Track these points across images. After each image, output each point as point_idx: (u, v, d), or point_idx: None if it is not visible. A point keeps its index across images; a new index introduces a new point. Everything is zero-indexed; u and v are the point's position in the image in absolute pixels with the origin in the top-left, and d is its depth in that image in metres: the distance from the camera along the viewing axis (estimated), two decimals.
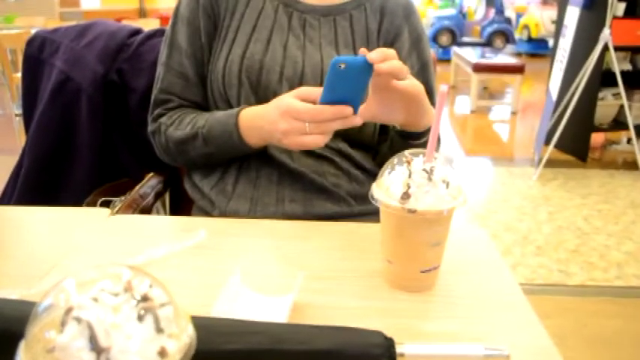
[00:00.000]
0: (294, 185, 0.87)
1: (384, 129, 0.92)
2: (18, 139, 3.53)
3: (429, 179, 0.55)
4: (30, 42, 1.17)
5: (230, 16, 0.91)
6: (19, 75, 3.64)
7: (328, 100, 0.71)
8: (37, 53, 1.15)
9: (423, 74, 0.95)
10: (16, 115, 3.37)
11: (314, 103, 0.73)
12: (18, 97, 3.43)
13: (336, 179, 0.89)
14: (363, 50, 0.70)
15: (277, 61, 0.88)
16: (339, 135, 0.89)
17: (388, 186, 0.57)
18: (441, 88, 0.57)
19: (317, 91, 0.72)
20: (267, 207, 0.86)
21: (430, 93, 0.93)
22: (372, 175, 0.90)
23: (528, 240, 2.52)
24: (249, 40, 0.89)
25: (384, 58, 0.70)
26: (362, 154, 0.92)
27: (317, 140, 0.73)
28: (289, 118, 0.73)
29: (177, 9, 0.94)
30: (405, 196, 0.55)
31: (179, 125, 0.89)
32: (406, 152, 0.58)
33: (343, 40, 0.92)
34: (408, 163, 0.56)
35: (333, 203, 0.88)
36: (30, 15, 5.59)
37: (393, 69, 0.70)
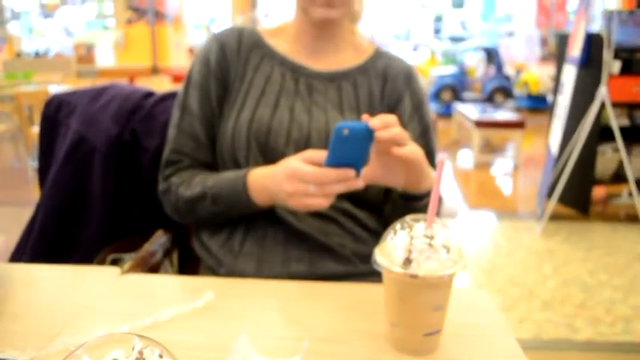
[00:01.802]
0: (300, 245, 0.89)
1: (387, 189, 0.95)
2: (33, 191, 3.59)
3: (430, 245, 0.58)
4: (48, 103, 1.22)
5: (239, 81, 0.96)
6: (34, 129, 3.74)
7: (332, 163, 0.74)
8: (54, 114, 1.20)
9: (424, 138, 0.99)
10: (32, 168, 3.45)
11: (319, 166, 0.76)
12: (33, 150, 3.51)
13: (340, 239, 0.91)
14: (365, 117, 0.74)
15: (284, 124, 0.92)
16: (344, 195, 0.91)
17: (390, 251, 0.60)
18: (440, 158, 0.60)
19: (322, 155, 0.76)
20: (273, 267, 0.88)
21: (431, 156, 0.96)
22: (376, 235, 0.93)
23: (534, 295, 2.50)
24: (258, 104, 0.93)
25: (385, 125, 0.73)
26: (366, 213, 0.95)
27: (321, 202, 0.76)
28: (294, 180, 0.76)
29: (189, 74, 0.99)
30: (407, 261, 0.57)
31: (189, 185, 0.93)
32: (407, 218, 0.61)
33: (348, 104, 0.96)
34: (410, 228, 0.59)
35: (338, 263, 0.89)
36: (48, 71, 5.77)
37: (394, 136, 0.74)
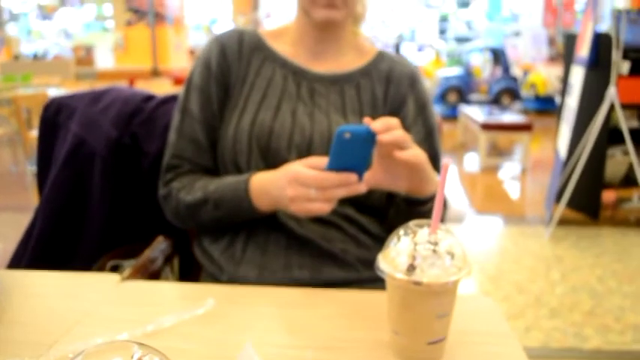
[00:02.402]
0: (302, 251, 0.88)
1: (391, 193, 0.93)
2: (31, 196, 3.60)
3: (434, 251, 0.56)
4: (47, 107, 1.21)
5: (241, 85, 0.95)
6: (33, 133, 3.75)
7: (334, 167, 0.72)
8: (53, 117, 1.19)
9: (429, 141, 0.97)
10: (30, 172, 3.46)
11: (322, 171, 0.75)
12: (32, 155, 3.52)
13: (343, 245, 0.89)
14: (367, 120, 0.73)
15: (286, 127, 0.90)
16: (347, 200, 0.90)
17: (394, 257, 0.58)
18: (444, 162, 0.59)
19: (325, 161, 0.74)
20: (275, 273, 0.86)
21: (435, 160, 0.94)
22: (380, 240, 0.91)
23: (541, 302, 2.47)
24: (259, 107, 0.92)
25: (388, 128, 0.72)
26: (369, 219, 0.93)
27: (322, 207, 0.75)
28: (296, 185, 0.75)
29: (190, 77, 0.98)
30: (411, 268, 0.55)
31: (190, 190, 0.91)
32: (411, 223, 0.59)
33: (351, 107, 0.94)
34: (414, 234, 0.57)
35: (341, 269, 0.88)
36: (46, 74, 5.79)
37: (396, 139, 0.72)
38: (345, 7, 0.90)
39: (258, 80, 0.95)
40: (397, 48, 9.43)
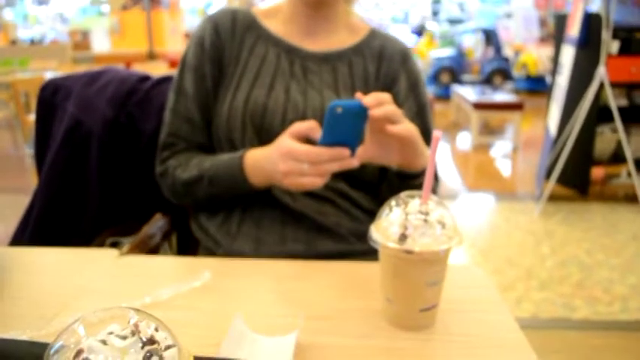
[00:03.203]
0: (296, 225, 0.90)
1: (383, 168, 0.95)
2: (30, 179, 3.60)
3: (425, 221, 0.58)
4: (44, 88, 1.21)
5: (234, 63, 0.96)
6: (31, 117, 3.72)
7: (327, 142, 0.74)
8: (50, 98, 1.19)
9: (421, 117, 0.99)
10: (29, 155, 3.45)
11: (308, 138, 0.76)
12: (30, 138, 3.51)
13: (337, 219, 0.91)
14: (359, 95, 0.74)
15: (280, 105, 0.91)
16: (340, 176, 0.92)
17: (386, 227, 0.60)
18: (435, 134, 0.60)
19: (306, 125, 0.77)
20: (270, 247, 0.88)
21: (427, 135, 0.96)
22: (373, 215, 0.92)
23: (532, 275, 2.52)
24: (253, 85, 0.93)
25: (379, 103, 0.73)
26: (362, 194, 0.95)
27: (315, 181, 0.77)
28: (289, 160, 0.76)
29: (184, 57, 0.98)
30: (403, 237, 0.58)
31: (186, 167, 0.93)
32: (402, 194, 0.61)
33: (343, 84, 0.96)
34: (405, 205, 0.59)
35: (334, 242, 0.90)
36: (44, 58, 5.73)
37: (387, 113, 0.74)
38: None
39: (251, 59, 0.96)
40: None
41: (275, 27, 0.99)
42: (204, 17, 1.00)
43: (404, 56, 1.01)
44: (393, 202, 0.62)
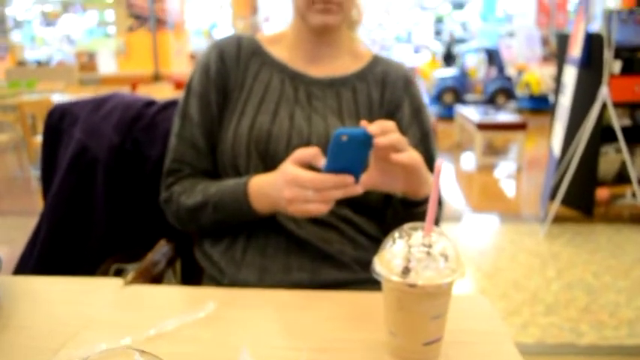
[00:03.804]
0: (301, 253, 0.90)
1: (388, 195, 0.95)
2: (36, 201, 3.61)
3: (428, 253, 0.58)
4: (51, 113, 1.23)
5: (239, 89, 0.97)
6: (37, 139, 3.76)
7: (331, 169, 0.75)
8: (57, 123, 1.21)
9: (424, 143, 0.99)
10: (35, 177, 3.48)
11: (310, 164, 0.77)
12: (37, 160, 3.54)
13: (341, 246, 0.91)
14: (364, 123, 0.75)
15: (284, 131, 0.92)
16: (344, 202, 0.92)
17: (389, 259, 0.60)
18: (437, 164, 0.61)
19: (309, 152, 0.78)
20: (275, 275, 0.89)
21: (431, 161, 0.97)
22: (377, 241, 0.93)
23: (538, 298, 2.50)
24: (258, 111, 0.94)
25: (384, 132, 0.74)
26: (366, 220, 0.95)
27: (320, 208, 0.77)
28: (293, 187, 0.77)
29: (189, 83, 1.00)
30: (406, 270, 0.58)
31: (190, 194, 0.93)
32: (405, 226, 0.61)
33: (347, 110, 0.97)
34: (408, 237, 0.60)
35: (338, 270, 0.90)
36: (50, 80, 5.80)
37: (392, 142, 0.75)
38: (341, 12, 0.93)
39: (256, 85, 0.97)
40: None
41: (279, 53, 1.00)
42: (209, 44, 1.02)
43: (407, 82, 1.02)
44: (396, 234, 0.62)
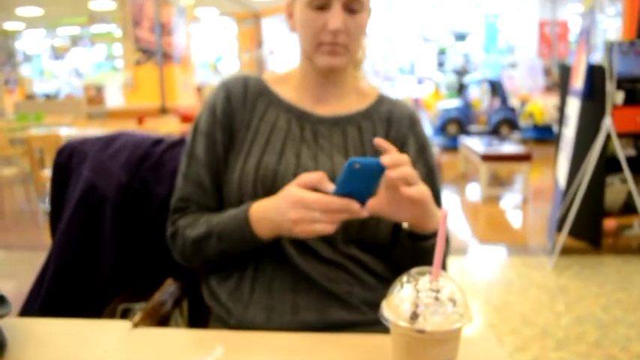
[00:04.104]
0: (308, 293, 0.90)
1: (395, 232, 0.95)
2: (43, 234, 3.63)
3: (437, 299, 0.58)
4: (60, 152, 1.24)
5: (245, 129, 0.98)
6: (44, 173, 3.80)
7: (340, 192, 0.77)
8: (66, 162, 1.22)
9: (430, 180, 1.00)
10: (42, 210, 3.51)
11: (316, 188, 0.79)
12: (44, 193, 3.57)
13: (348, 287, 0.91)
14: (379, 141, 0.78)
15: (290, 170, 0.93)
16: (352, 240, 0.93)
17: (397, 304, 0.60)
18: (443, 211, 0.61)
19: (314, 176, 0.79)
20: (282, 315, 0.88)
21: (437, 197, 0.97)
22: (384, 280, 0.93)
23: (547, 333, 2.46)
24: (264, 151, 0.95)
25: (396, 164, 0.76)
26: (374, 259, 0.95)
27: (326, 228, 0.78)
28: (300, 208, 0.78)
29: (197, 123, 1.01)
30: (414, 315, 0.58)
31: (195, 226, 0.94)
32: (413, 271, 0.61)
33: (353, 148, 0.98)
34: (416, 282, 0.60)
35: (347, 311, 0.90)
36: (58, 113, 5.88)
37: (403, 175, 0.76)
38: (347, 54, 0.95)
39: (262, 125, 0.98)
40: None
41: (286, 93, 1.02)
42: (217, 85, 1.03)
43: (412, 121, 1.04)
44: (404, 278, 0.62)
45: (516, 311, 2.71)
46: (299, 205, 0.78)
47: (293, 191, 0.80)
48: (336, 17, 0.90)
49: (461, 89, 9.03)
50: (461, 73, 9.65)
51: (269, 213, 0.85)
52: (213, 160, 0.98)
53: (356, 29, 0.93)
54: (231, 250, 0.91)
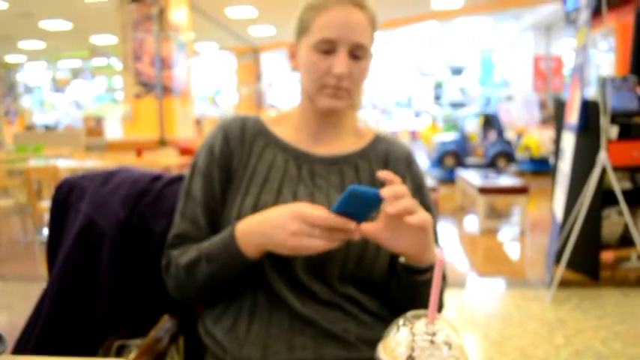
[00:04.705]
0: (304, 331, 0.90)
1: (392, 270, 0.96)
2: (39, 266, 3.61)
3: (432, 342, 0.58)
4: (59, 187, 1.25)
5: (243, 169, 1.00)
6: (42, 204, 3.81)
7: (337, 212, 0.79)
8: (65, 197, 1.23)
9: None
10: (39, 242, 3.50)
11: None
12: (41, 225, 3.57)
13: (344, 324, 0.91)
14: (381, 174, 0.80)
15: None
16: (349, 280, 0.93)
17: (393, 347, 0.60)
18: (438, 254, 0.62)
19: (312, 212, 0.82)
20: (279, 354, 0.88)
21: (434, 234, 0.98)
22: (380, 319, 0.93)
23: None
24: (261, 190, 0.96)
25: (396, 197, 0.78)
26: (370, 298, 0.96)
27: (320, 245, 0.81)
28: (300, 221, 0.81)
29: (195, 162, 1.03)
30: (410, 359, 0.58)
31: (186, 253, 0.95)
32: (409, 314, 0.62)
33: None
34: (412, 325, 0.60)
35: (343, 349, 0.89)
36: (57, 144, 5.91)
37: (403, 209, 0.78)
38: (349, 98, 0.97)
39: (260, 164, 1.00)
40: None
41: (283, 133, 1.04)
42: (216, 126, 1.05)
43: (408, 160, 1.05)
44: (400, 322, 0.62)
45: (515, 345, 2.68)
46: (300, 217, 0.81)
47: (297, 206, 0.83)
48: (341, 62, 0.92)
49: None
50: (457, 106, 9.77)
51: (261, 226, 0.86)
52: (209, 199, 0.99)
53: (359, 75, 0.96)
54: (220, 272, 0.91)
